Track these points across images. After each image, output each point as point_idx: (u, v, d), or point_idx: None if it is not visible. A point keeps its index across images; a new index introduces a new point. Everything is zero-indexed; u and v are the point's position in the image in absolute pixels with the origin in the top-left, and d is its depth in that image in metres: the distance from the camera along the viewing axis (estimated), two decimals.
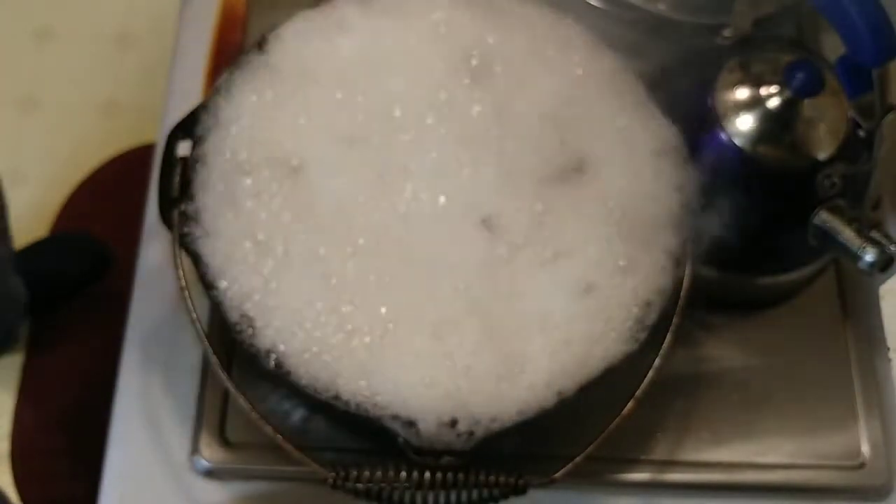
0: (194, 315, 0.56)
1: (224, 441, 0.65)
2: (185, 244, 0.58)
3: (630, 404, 0.56)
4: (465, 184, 0.60)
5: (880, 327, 0.71)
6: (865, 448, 0.67)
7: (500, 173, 0.60)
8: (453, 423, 0.54)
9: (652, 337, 0.58)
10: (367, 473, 0.53)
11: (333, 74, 0.62)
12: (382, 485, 0.53)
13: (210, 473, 0.65)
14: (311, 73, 0.62)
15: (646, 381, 0.57)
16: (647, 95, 0.63)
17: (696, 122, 0.64)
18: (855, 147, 0.63)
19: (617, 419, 0.56)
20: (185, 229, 0.58)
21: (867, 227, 0.61)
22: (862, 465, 0.66)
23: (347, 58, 0.63)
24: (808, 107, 0.62)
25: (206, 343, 0.57)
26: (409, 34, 0.64)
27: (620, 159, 0.61)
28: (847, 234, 0.61)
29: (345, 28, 0.63)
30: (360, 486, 0.53)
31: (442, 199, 0.59)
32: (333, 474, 0.54)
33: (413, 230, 0.58)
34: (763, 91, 0.62)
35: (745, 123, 0.62)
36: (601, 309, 0.57)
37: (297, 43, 0.63)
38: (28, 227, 1.33)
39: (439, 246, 0.58)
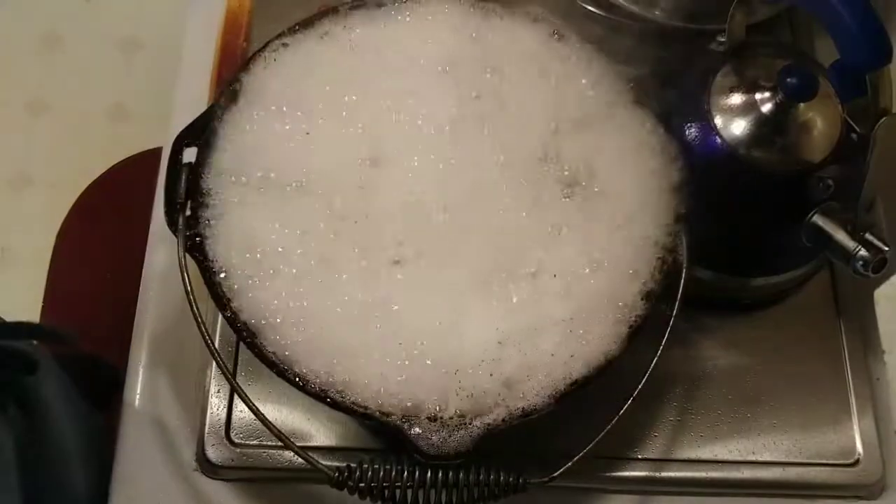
0: (200, 318, 0.57)
1: (229, 441, 0.66)
2: (191, 249, 0.58)
3: (628, 404, 0.57)
4: (463, 190, 0.61)
5: (874, 327, 0.71)
6: (859, 446, 0.67)
7: (494, 179, 0.61)
8: (456, 420, 0.55)
9: (649, 338, 0.58)
10: (368, 472, 0.54)
11: (337, 86, 0.63)
12: (384, 484, 0.54)
13: (216, 473, 0.66)
14: (314, 85, 0.63)
15: (643, 380, 0.57)
16: (642, 102, 0.64)
17: (691, 126, 0.65)
18: (848, 150, 0.63)
19: (615, 419, 0.57)
20: (191, 234, 0.58)
21: (861, 230, 0.61)
22: (856, 463, 0.67)
23: (347, 71, 0.63)
24: (802, 111, 0.62)
25: (212, 346, 0.57)
26: (404, 46, 0.65)
27: (615, 165, 0.62)
28: (841, 237, 0.62)
29: (347, 43, 0.65)
30: (362, 485, 0.54)
31: (441, 206, 0.60)
32: (336, 473, 0.54)
33: (413, 237, 0.59)
34: (757, 95, 0.63)
35: (739, 127, 0.63)
36: (598, 309, 0.58)
37: (300, 56, 0.64)
38: (35, 231, 1.34)
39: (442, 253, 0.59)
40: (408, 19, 0.65)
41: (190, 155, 0.61)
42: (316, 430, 0.66)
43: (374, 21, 0.65)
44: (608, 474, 0.66)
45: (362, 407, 0.55)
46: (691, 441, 0.67)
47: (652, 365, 0.58)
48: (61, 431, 0.64)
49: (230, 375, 0.57)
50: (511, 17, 0.65)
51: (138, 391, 0.68)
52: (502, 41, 0.65)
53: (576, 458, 0.56)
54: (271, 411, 0.66)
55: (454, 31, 0.65)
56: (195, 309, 0.57)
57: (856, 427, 0.68)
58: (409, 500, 0.54)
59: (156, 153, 0.73)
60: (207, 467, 0.65)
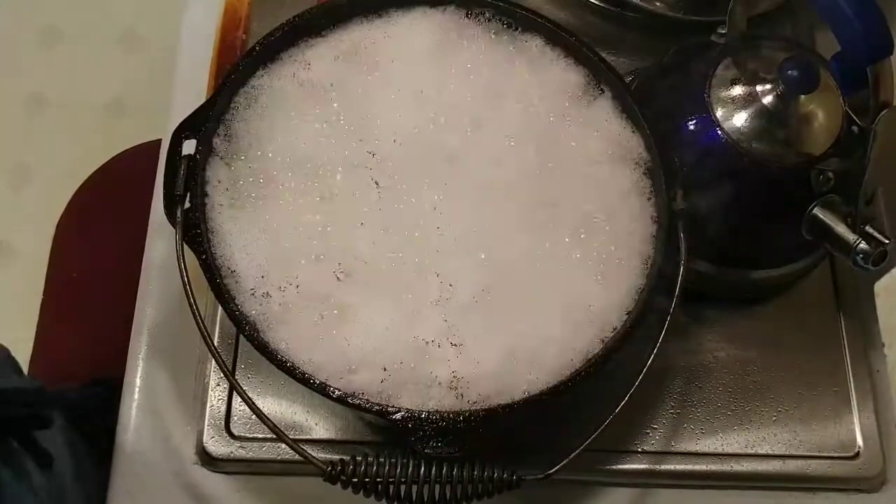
0: (197, 313, 0.57)
1: (229, 434, 0.66)
2: (189, 241, 0.58)
3: (626, 399, 0.57)
4: (460, 201, 0.61)
5: (874, 320, 0.71)
6: (860, 439, 0.67)
7: (489, 184, 0.61)
8: (453, 414, 0.54)
9: (648, 331, 0.58)
10: (362, 467, 0.54)
11: (336, 83, 0.63)
12: (378, 479, 0.54)
13: (215, 466, 0.66)
14: (313, 82, 0.63)
15: (641, 374, 0.57)
16: (621, 106, 0.64)
17: (691, 119, 0.64)
18: (849, 143, 0.63)
19: (613, 414, 0.57)
20: (190, 227, 0.58)
21: (861, 222, 0.61)
22: (856, 456, 0.67)
23: (345, 69, 0.64)
24: (802, 103, 0.62)
25: (209, 339, 0.57)
26: (404, 44, 0.65)
27: (612, 163, 0.62)
28: (841, 229, 0.62)
29: (342, 43, 0.65)
30: (355, 479, 0.54)
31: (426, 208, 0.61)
32: (329, 467, 0.54)
33: (414, 241, 0.59)
34: (758, 87, 0.63)
35: (740, 120, 0.63)
36: (597, 305, 0.58)
37: (300, 53, 0.64)
38: (35, 225, 1.34)
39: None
40: (406, 17, 0.65)
41: (189, 147, 0.60)
42: (315, 423, 0.66)
43: (372, 23, 0.65)
44: (608, 467, 0.66)
45: (362, 401, 0.55)
46: (691, 434, 0.67)
47: (650, 359, 0.58)
48: (67, 479, 0.65)
49: (227, 370, 0.57)
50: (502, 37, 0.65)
51: (138, 383, 0.68)
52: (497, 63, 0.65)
53: (572, 455, 0.56)
54: (271, 404, 0.66)
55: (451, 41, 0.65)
56: (192, 302, 0.57)
57: (856, 420, 0.68)
58: (402, 496, 0.54)
59: (156, 145, 0.73)
60: (207, 460, 0.66)
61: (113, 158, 1.08)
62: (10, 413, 0.60)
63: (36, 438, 0.63)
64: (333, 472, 0.54)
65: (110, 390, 0.71)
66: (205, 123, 0.61)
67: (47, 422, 0.63)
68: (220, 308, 0.66)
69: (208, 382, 0.67)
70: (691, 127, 0.65)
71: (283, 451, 0.65)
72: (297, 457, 0.55)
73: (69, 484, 0.65)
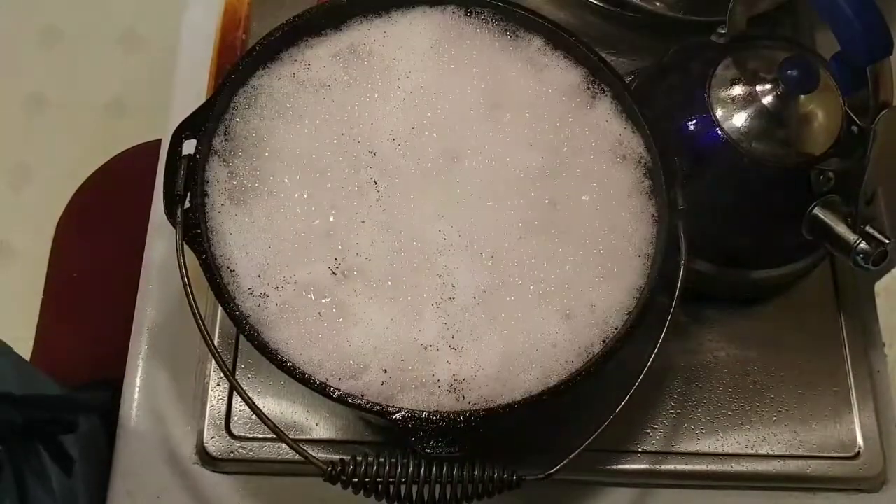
0: (197, 313, 0.57)
1: (230, 434, 0.66)
2: (189, 241, 0.58)
3: (626, 399, 0.57)
4: (459, 206, 0.61)
5: (875, 320, 0.71)
6: (860, 439, 0.67)
7: (486, 193, 0.61)
8: (453, 414, 0.54)
9: (649, 331, 0.58)
10: (362, 467, 0.54)
11: (335, 84, 0.63)
12: (378, 479, 0.54)
13: (216, 466, 0.66)
14: (314, 82, 0.63)
15: (642, 374, 0.57)
16: (622, 106, 0.64)
17: (691, 119, 0.64)
18: (849, 143, 0.63)
19: (613, 415, 0.57)
20: (190, 226, 0.58)
21: (861, 222, 0.61)
22: (857, 456, 0.67)
23: (343, 73, 0.64)
24: (802, 103, 0.62)
25: (209, 339, 0.57)
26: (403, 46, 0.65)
27: (609, 164, 0.62)
28: (841, 229, 0.62)
29: (340, 45, 0.65)
30: (355, 479, 0.54)
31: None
32: (329, 468, 0.54)
33: (413, 247, 0.59)
34: (758, 87, 0.63)
35: (740, 120, 0.63)
36: (597, 304, 0.58)
37: (300, 54, 0.64)
38: (35, 225, 1.34)
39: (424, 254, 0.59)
40: (406, 17, 0.65)
41: (189, 147, 0.60)
42: (315, 423, 0.66)
43: (371, 22, 0.65)
44: (608, 467, 0.66)
45: (362, 401, 0.55)
46: (691, 434, 0.67)
47: (651, 359, 0.58)
48: (80, 481, 0.66)
49: (227, 370, 0.57)
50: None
51: (138, 383, 0.68)
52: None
53: (572, 455, 0.56)
54: (271, 404, 0.66)
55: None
56: (192, 302, 0.57)
57: (856, 420, 0.68)
58: (402, 496, 0.54)
59: (155, 145, 0.73)
60: (207, 460, 0.66)
61: (113, 158, 1.08)
62: (36, 417, 0.61)
63: (62, 442, 0.63)
64: (333, 472, 0.54)
65: (111, 391, 0.71)
66: (205, 123, 0.61)
67: (73, 426, 0.63)
68: (220, 308, 0.66)
69: (208, 382, 0.67)
70: (691, 127, 0.65)
71: (283, 451, 0.65)
72: (297, 457, 0.55)
73: (82, 485, 0.65)
